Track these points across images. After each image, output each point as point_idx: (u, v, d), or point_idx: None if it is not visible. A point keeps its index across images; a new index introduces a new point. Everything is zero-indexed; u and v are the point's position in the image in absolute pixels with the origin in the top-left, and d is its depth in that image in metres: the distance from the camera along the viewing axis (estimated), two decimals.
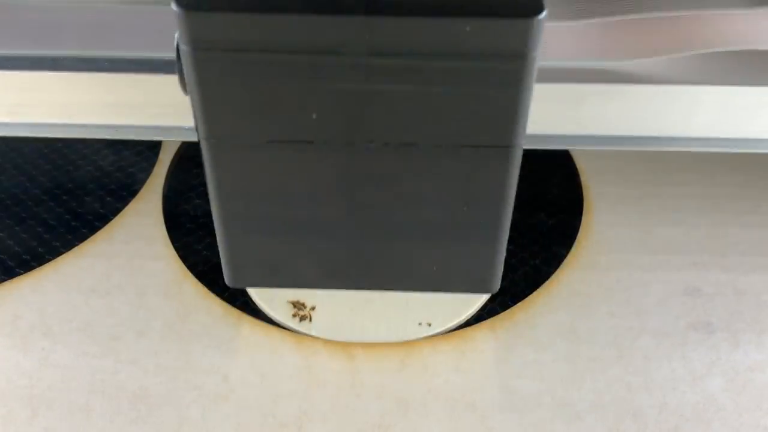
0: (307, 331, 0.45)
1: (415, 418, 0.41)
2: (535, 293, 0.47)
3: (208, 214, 0.54)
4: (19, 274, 0.49)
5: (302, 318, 0.46)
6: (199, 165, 0.58)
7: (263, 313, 0.47)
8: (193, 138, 0.40)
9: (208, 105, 0.30)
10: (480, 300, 0.47)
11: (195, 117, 0.30)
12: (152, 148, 0.59)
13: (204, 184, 0.56)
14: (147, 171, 0.56)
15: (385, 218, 0.34)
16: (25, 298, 0.47)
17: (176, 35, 0.29)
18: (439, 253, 0.35)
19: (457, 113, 0.29)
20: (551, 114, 0.39)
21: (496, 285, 0.37)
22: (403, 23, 0.27)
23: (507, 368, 0.43)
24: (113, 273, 0.49)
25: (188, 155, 0.59)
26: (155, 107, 0.40)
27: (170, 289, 0.48)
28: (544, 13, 0.26)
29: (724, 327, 0.45)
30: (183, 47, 0.28)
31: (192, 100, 0.30)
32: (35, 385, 0.43)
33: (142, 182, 0.55)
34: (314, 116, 0.30)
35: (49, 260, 0.50)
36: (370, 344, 0.45)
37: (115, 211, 0.53)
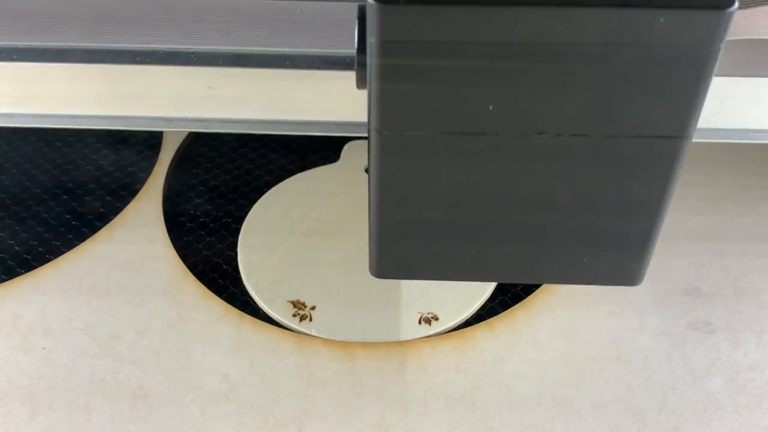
0: (307, 331, 0.45)
1: (415, 418, 0.41)
2: (535, 293, 0.47)
3: (209, 214, 0.54)
4: (19, 273, 0.49)
5: (302, 318, 0.46)
6: (200, 165, 0.59)
7: (263, 312, 0.47)
8: (195, 128, 0.41)
9: (386, 98, 0.30)
10: (480, 299, 0.47)
11: (369, 109, 0.30)
12: (152, 147, 0.59)
13: (204, 184, 0.56)
14: (147, 171, 0.57)
15: (548, 209, 0.34)
16: (26, 297, 0.47)
17: (356, 28, 0.29)
18: (592, 245, 0.35)
19: (635, 104, 0.30)
20: None
21: (642, 278, 0.37)
22: (597, 15, 0.27)
23: (507, 368, 0.43)
24: (113, 273, 0.49)
25: (188, 155, 0.59)
26: (159, 98, 0.40)
27: (170, 289, 0.48)
28: (735, 5, 0.27)
29: (723, 327, 0.45)
30: (371, 40, 0.28)
31: (370, 93, 0.30)
32: (35, 384, 0.43)
33: (142, 182, 0.55)
34: (491, 108, 0.30)
35: (49, 260, 0.50)
36: (370, 344, 0.45)
37: (115, 211, 0.53)
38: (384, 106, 0.30)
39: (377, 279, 0.48)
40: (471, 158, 0.32)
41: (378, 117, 0.30)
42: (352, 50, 0.38)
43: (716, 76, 0.38)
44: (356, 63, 0.31)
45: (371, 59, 0.29)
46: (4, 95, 0.41)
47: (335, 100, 0.40)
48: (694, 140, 0.42)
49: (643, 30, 0.28)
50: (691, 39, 0.28)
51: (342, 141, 0.59)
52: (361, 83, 0.31)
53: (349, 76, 0.39)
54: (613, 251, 0.36)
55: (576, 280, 0.38)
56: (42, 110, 0.41)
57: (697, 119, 0.30)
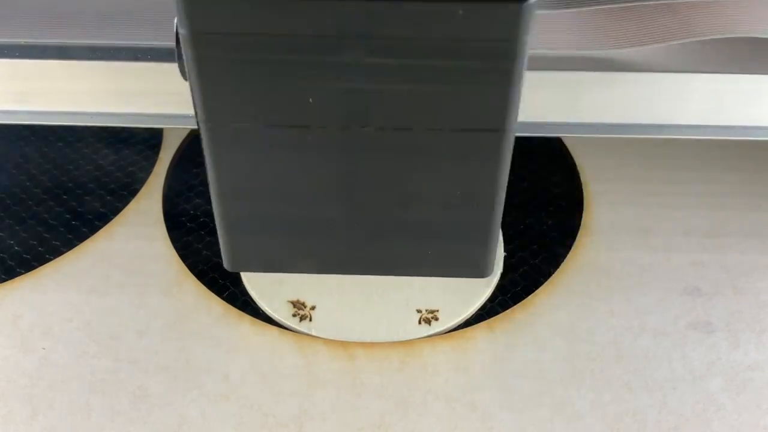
0: (307, 331, 0.45)
1: (415, 417, 0.41)
2: (535, 293, 0.47)
3: (209, 214, 0.54)
4: (19, 273, 0.49)
5: (302, 317, 0.46)
6: (200, 165, 0.59)
7: (263, 312, 0.47)
8: (195, 125, 0.41)
9: (206, 89, 0.30)
10: (480, 299, 0.47)
11: (194, 101, 0.31)
12: (152, 147, 0.59)
13: (204, 184, 0.56)
14: (147, 170, 0.56)
15: (380, 203, 0.34)
16: (26, 297, 0.47)
17: (175, 21, 0.29)
18: (433, 237, 0.36)
19: (451, 97, 0.30)
20: (547, 102, 0.39)
21: (490, 270, 0.38)
22: (398, 8, 0.28)
23: (507, 368, 0.43)
24: (113, 272, 0.49)
25: (188, 155, 0.59)
26: (159, 95, 0.41)
27: (170, 289, 0.48)
28: None
29: (723, 327, 0.45)
30: (182, 32, 0.28)
31: (191, 84, 0.30)
32: (35, 384, 0.43)
33: (142, 182, 0.55)
34: (311, 101, 0.30)
35: (49, 260, 0.50)
36: (370, 344, 0.45)
37: (115, 211, 0.53)
38: (204, 98, 0.30)
39: (377, 279, 0.48)
40: (300, 151, 0.32)
41: (201, 109, 0.31)
42: None
43: (714, 73, 0.39)
44: (176, 54, 0.30)
45: (185, 51, 0.29)
46: (5, 92, 0.41)
47: None
48: (695, 138, 0.42)
49: (446, 24, 0.28)
50: (495, 33, 0.28)
51: None
52: (183, 74, 0.31)
53: None
54: (455, 244, 0.36)
55: (424, 273, 0.38)
56: (43, 107, 0.41)
57: (516, 112, 0.30)
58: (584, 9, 0.39)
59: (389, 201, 0.34)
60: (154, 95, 0.41)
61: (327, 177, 0.33)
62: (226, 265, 0.38)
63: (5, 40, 0.40)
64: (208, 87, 0.30)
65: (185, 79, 0.31)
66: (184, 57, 0.30)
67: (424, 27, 0.28)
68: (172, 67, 0.38)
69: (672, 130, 0.41)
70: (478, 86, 0.29)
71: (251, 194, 0.34)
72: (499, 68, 0.29)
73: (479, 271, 0.37)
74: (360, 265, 0.38)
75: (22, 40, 0.40)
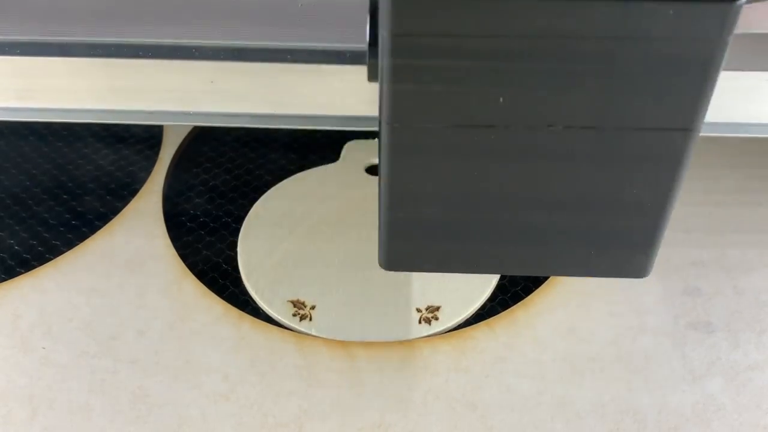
0: (307, 331, 0.45)
1: (415, 417, 0.41)
2: (535, 293, 0.47)
3: (209, 214, 0.54)
4: (19, 273, 0.49)
5: (302, 317, 0.46)
6: (200, 164, 0.59)
7: (263, 312, 0.47)
8: (196, 122, 0.41)
9: (398, 90, 0.30)
10: (480, 299, 0.47)
11: (381, 102, 0.31)
12: (152, 147, 0.59)
13: (204, 184, 0.56)
14: (147, 170, 0.56)
15: (557, 203, 0.34)
16: (26, 297, 0.47)
17: (367, 20, 0.30)
18: (600, 236, 0.36)
19: (643, 96, 0.30)
20: None
21: (650, 270, 0.37)
22: (604, 7, 0.28)
23: (507, 368, 0.43)
24: (113, 272, 0.49)
25: (188, 155, 0.59)
26: (160, 93, 0.41)
27: (170, 289, 0.48)
28: None
29: (723, 326, 0.45)
30: (383, 32, 0.29)
31: (381, 85, 0.30)
32: (35, 384, 0.43)
33: (142, 181, 0.55)
34: (501, 100, 0.30)
35: (49, 259, 0.50)
36: (370, 343, 0.45)
37: (115, 210, 0.53)
38: (395, 99, 0.30)
39: (377, 279, 0.48)
40: (481, 151, 0.32)
41: (389, 110, 0.31)
42: (352, 45, 0.38)
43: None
44: (368, 56, 0.31)
45: (383, 52, 0.29)
46: (6, 89, 0.41)
47: (336, 95, 0.41)
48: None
49: (650, 23, 0.28)
50: (699, 32, 0.28)
51: (341, 140, 0.59)
52: (372, 76, 0.31)
53: (350, 70, 0.39)
54: (621, 245, 0.36)
55: (584, 273, 0.38)
56: (44, 104, 0.42)
57: (705, 112, 0.30)
58: None
59: (566, 200, 0.34)
60: (156, 92, 0.41)
61: (504, 177, 0.33)
62: (382, 264, 0.38)
63: (5, 37, 0.40)
64: (399, 87, 0.30)
65: (373, 80, 0.31)
66: (379, 58, 0.30)
67: (628, 27, 0.28)
68: (174, 65, 0.38)
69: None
70: (671, 86, 0.30)
71: (424, 195, 0.34)
72: (696, 68, 0.29)
73: (639, 271, 0.37)
74: (520, 265, 0.38)
75: (22, 37, 0.40)
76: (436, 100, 0.30)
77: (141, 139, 0.60)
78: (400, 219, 0.35)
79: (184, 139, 0.59)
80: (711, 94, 0.30)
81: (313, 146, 0.60)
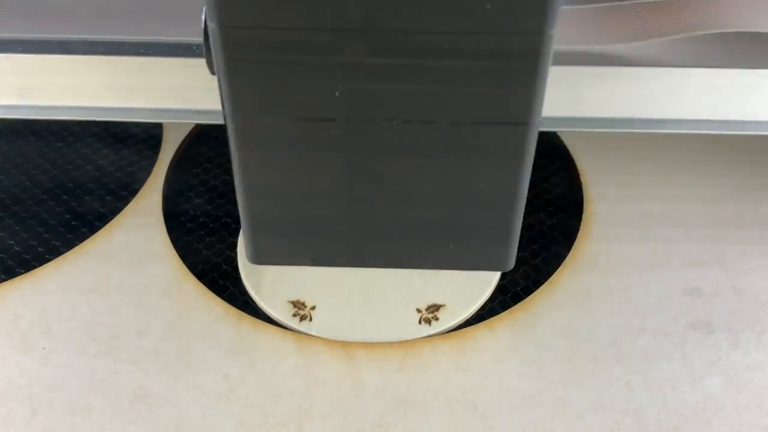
0: (307, 331, 0.45)
1: (415, 417, 0.41)
2: (535, 293, 0.47)
3: (209, 214, 0.54)
4: (19, 273, 0.49)
5: (302, 317, 0.46)
6: (200, 164, 0.59)
7: (263, 312, 0.47)
8: (198, 120, 0.41)
9: (234, 83, 0.30)
10: (480, 299, 0.47)
11: (221, 95, 0.31)
12: (152, 147, 0.59)
13: (204, 184, 0.56)
14: (147, 170, 0.56)
15: (405, 194, 0.35)
16: (25, 297, 0.47)
17: (203, 14, 0.29)
18: (456, 230, 0.36)
19: (476, 90, 0.30)
20: (546, 96, 0.40)
21: (511, 263, 0.38)
22: (421, 2, 0.28)
23: (507, 368, 0.43)
24: (113, 273, 0.49)
25: (188, 155, 0.59)
26: (161, 90, 0.41)
27: (170, 289, 0.48)
28: None
29: (723, 327, 0.45)
30: (211, 25, 0.29)
31: (219, 78, 0.30)
32: (35, 384, 0.43)
33: (142, 182, 0.55)
34: (337, 94, 0.30)
35: (49, 260, 0.50)
36: (370, 344, 0.45)
37: (115, 211, 0.53)
38: (232, 92, 0.30)
39: (377, 279, 0.48)
40: (325, 145, 0.32)
41: (228, 102, 0.31)
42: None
43: (711, 68, 0.39)
44: (204, 48, 0.31)
45: (214, 45, 0.29)
46: (7, 87, 0.41)
47: None
48: (693, 133, 0.42)
49: (473, 17, 0.28)
50: (522, 25, 0.28)
51: None
52: (211, 68, 0.31)
53: None
54: (478, 238, 0.36)
55: (445, 266, 0.39)
56: (45, 102, 0.42)
57: (540, 105, 0.31)
58: (585, 7, 0.39)
59: (414, 193, 0.34)
60: (156, 90, 0.41)
61: (351, 171, 0.33)
62: (249, 258, 0.38)
63: (6, 34, 0.40)
64: (236, 81, 0.30)
65: (213, 73, 0.31)
66: (212, 51, 0.30)
67: (450, 20, 0.28)
68: (174, 62, 0.38)
69: (669, 125, 0.42)
70: (504, 80, 0.30)
71: (276, 189, 0.35)
72: (526, 62, 0.29)
73: (501, 264, 0.38)
74: (383, 259, 0.38)
75: (23, 35, 0.40)
76: (273, 94, 0.30)
77: (141, 139, 0.60)
78: (258, 213, 0.35)
79: (184, 139, 0.59)
80: (543, 88, 0.30)
81: None
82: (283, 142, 0.32)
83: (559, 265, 0.49)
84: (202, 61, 0.39)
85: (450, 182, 0.34)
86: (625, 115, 0.41)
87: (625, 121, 0.42)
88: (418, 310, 0.46)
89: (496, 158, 0.33)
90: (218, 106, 0.39)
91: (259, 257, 0.38)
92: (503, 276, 0.49)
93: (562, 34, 0.38)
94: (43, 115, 0.42)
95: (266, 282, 0.48)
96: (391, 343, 0.45)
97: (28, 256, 0.50)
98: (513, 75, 0.30)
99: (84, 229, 0.52)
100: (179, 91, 0.40)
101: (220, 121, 0.41)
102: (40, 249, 0.51)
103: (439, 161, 0.33)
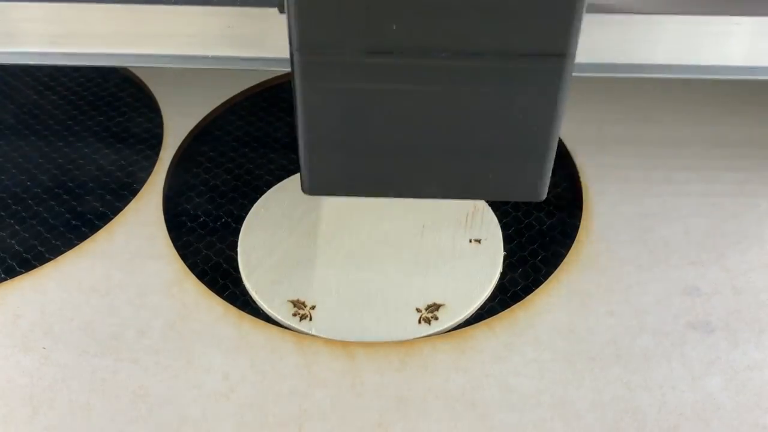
0: (307, 330, 0.45)
1: (415, 417, 0.41)
2: (534, 292, 0.47)
3: (209, 213, 0.54)
4: (19, 273, 0.49)
5: (302, 317, 0.46)
6: (200, 164, 0.59)
7: (263, 312, 0.47)
8: (214, 66, 0.44)
9: (302, 18, 0.34)
10: (480, 299, 0.47)
11: (290, 31, 0.34)
12: (153, 147, 0.59)
13: (204, 184, 0.56)
14: (147, 170, 0.57)
15: (452, 126, 0.37)
16: (26, 297, 0.47)
17: None
18: (495, 160, 0.39)
19: (519, 22, 0.33)
20: None
21: (543, 193, 0.40)
22: None
23: (507, 367, 0.43)
24: (114, 272, 0.49)
25: (189, 155, 0.59)
26: (180, 37, 0.44)
27: (171, 289, 0.48)
28: None
29: (722, 326, 0.45)
30: None
31: (288, 15, 0.34)
32: (36, 384, 0.43)
33: (142, 181, 0.55)
34: (394, 27, 0.33)
35: (49, 259, 0.50)
36: (371, 343, 0.45)
37: (115, 210, 0.53)
38: (301, 27, 0.34)
39: (377, 279, 0.48)
40: (382, 77, 0.35)
41: (296, 38, 0.34)
42: None
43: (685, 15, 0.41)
44: None
45: None
46: (40, 35, 0.44)
47: None
48: (665, 78, 0.44)
49: None
50: None
51: None
52: (281, 8, 0.35)
53: None
54: (516, 168, 0.39)
55: (483, 196, 0.42)
56: (76, 49, 0.44)
57: (577, 38, 0.34)
58: None
59: (460, 126, 0.37)
60: (175, 37, 0.44)
61: (405, 102, 0.36)
62: (305, 188, 0.40)
63: None
64: (304, 16, 0.34)
65: (281, 11, 0.35)
66: None
67: None
68: (193, 10, 0.42)
69: (644, 69, 0.44)
70: (545, 13, 0.33)
71: (334, 120, 0.37)
72: None
73: (534, 194, 0.40)
74: (430, 189, 0.41)
75: None
76: (337, 28, 0.34)
77: (141, 139, 0.60)
78: (317, 145, 0.38)
79: (184, 139, 0.59)
80: (580, 22, 0.33)
81: None
82: (343, 75, 0.35)
83: (558, 265, 0.49)
84: (219, 9, 0.42)
85: (495, 113, 0.37)
86: (603, 60, 0.44)
87: (602, 66, 0.44)
88: (418, 310, 0.46)
89: (537, 89, 0.36)
90: (232, 53, 0.43)
91: (314, 188, 0.40)
92: (503, 275, 0.49)
93: None
94: (73, 62, 0.44)
95: (266, 282, 0.48)
96: (391, 343, 0.45)
97: (28, 256, 0.51)
98: (552, 7, 0.33)
99: (84, 229, 0.52)
100: (197, 38, 0.43)
101: (235, 66, 0.44)
102: (40, 248, 0.51)
103: (485, 93, 0.36)
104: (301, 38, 0.34)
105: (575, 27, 0.33)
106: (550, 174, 0.40)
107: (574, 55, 0.34)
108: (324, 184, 0.40)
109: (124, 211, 0.53)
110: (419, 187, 0.40)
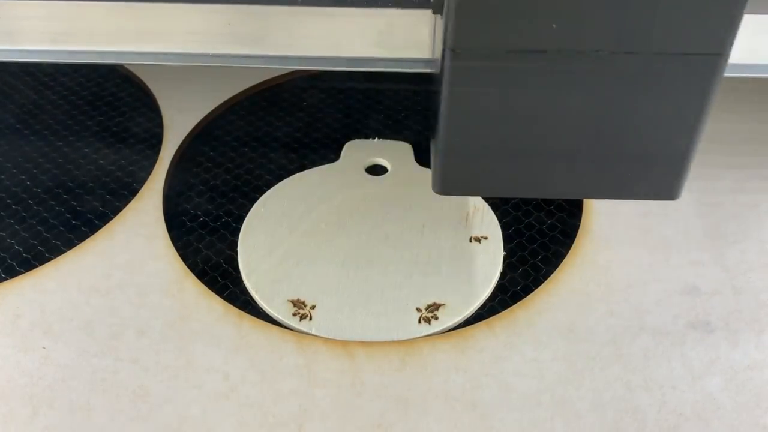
0: (307, 330, 0.45)
1: (415, 417, 0.41)
2: (534, 292, 0.47)
3: (209, 213, 0.54)
4: (20, 272, 0.49)
5: (302, 317, 0.46)
6: (200, 164, 0.59)
7: (263, 311, 0.47)
8: (215, 64, 0.44)
9: (460, 18, 0.33)
10: (480, 298, 0.47)
11: (445, 30, 0.34)
12: (153, 146, 0.59)
13: (204, 183, 0.56)
14: (147, 170, 0.57)
15: (597, 125, 0.37)
16: (26, 296, 0.47)
17: None
18: (637, 159, 0.38)
19: (679, 22, 0.33)
20: None
21: (679, 192, 0.40)
22: None
23: (506, 367, 0.43)
24: (114, 272, 0.49)
25: (189, 154, 0.59)
26: (180, 35, 0.44)
27: (171, 288, 0.48)
28: None
29: (722, 326, 0.46)
30: None
31: (446, 14, 0.34)
32: (36, 383, 0.43)
33: (142, 181, 0.55)
34: (554, 26, 0.33)
35: (49, 259, 0.50)
36: (371, 343, 0.45)
37: (115, 210, 0.53)
38: (457, 26, 0.33)
39: (377, 279, 0.48)
40: (534, 77, 0.35)
41: (452, 35, 0.34)
42: None
43: None
44: None
45: None
46: (42, 32, 0.44)
47: (351, 37, 0.44)
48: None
49: None
50: None
51: (342, 140, 0.59)
52: (437, 8, 0.35)
53: (361, 13, 0.43)
54: (654, 167, 0.39)
55: (621, 196, 0.41)
56: (73, 47, 0.45)
57: (734, 38, 0.33)
58: None
59: (604, 125, 0.37)
60: (176, 35, 0.44)
61: (551, 103, 0.36)
62: (436, 188, 0.40)
63: None
64: (461, 15, 0.33)
65: (436, 12, 0.35)
66: None
67: None
68: (193, 8, 0.42)
69: None
70: (704, 11, 0.33)
71: (479, 119, 0.37)
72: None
73: (670, 193, 0.40)
74: (565, 189, 0.40)
75: None
76: (493, 27, 0.34)
77: (141, 139, 0.60)
78: (457, 144, 0.38)
79: (184, 139, 0.59)
80: (739, 22, 0.33)
81: (313, 146, 0.60)
82: (494, 74, 0.35)
83: (558, 265, 0.49)
84: (219, 7, 0.42)
85: (642, 113, 0.36)
86: None
87: None
88: (418, 310, 0.46)
89: (689, 88, 0.35)
90: (233, 50, 0.43)
91: (447, 188, 0.40)
92: (503, 275, 0.49)
93: None
94: (74, 59, 0.44)
95: (266, 282, 0.48)
96: (391, 343, 0.45)
97: (28, 256, 0.51)
98: (715, 8, 0.32)
99: (84, 229, 0.52)
100: (197, 36, 0.43)
101: (235, 64, 0.44)
102: (40, 248, 0.51)
103: (635, 92, 0.35)
104: (457, 38, 0.34)
105: (735, 27, 0.33)
106: (688, 174, 0.39)
107: (728, 55, 0.34)
108: (458, 184, 0.40)
109: (124, 211, 0.53)
110: (553, 186, 0.40)
